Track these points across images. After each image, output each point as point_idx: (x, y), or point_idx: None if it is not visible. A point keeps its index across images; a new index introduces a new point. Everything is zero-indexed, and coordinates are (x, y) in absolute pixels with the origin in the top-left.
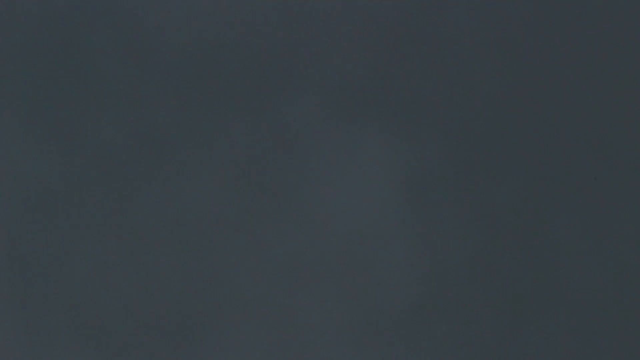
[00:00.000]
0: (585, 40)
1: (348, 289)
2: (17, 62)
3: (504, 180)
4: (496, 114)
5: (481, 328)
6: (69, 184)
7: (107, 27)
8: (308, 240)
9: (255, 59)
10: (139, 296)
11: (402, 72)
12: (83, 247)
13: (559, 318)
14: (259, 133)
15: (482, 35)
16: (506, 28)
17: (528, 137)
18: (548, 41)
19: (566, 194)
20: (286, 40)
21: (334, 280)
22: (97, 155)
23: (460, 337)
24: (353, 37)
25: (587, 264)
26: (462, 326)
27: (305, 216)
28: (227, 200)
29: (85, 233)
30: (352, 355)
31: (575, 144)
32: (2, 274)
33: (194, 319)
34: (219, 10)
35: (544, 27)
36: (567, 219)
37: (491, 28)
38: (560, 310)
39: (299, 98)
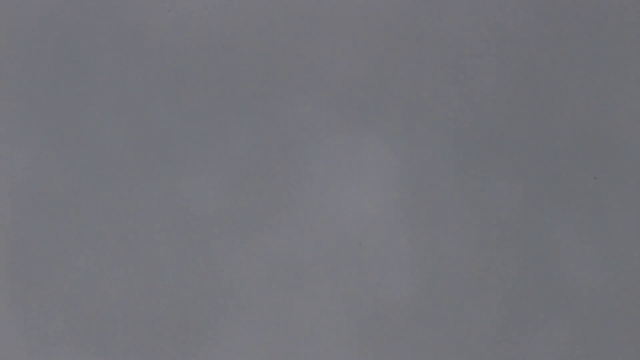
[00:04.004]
0: (585, 39)
1: (348, 289)
2: (17, 62)
3: (504, 180)
4: (496, 113)
5: (481, 328)
6: (69, 184)
7: (107, 27)
8: (308, 240)
9: (255, 59)
10: (139, 296)
11: (403, 73)
12: (83, 247)
13: (558, 318)
14: (259, 134)
15: (483, 35)
16: (506, 28)
17: (528, 137)
18: (548, 41)
19: (566, 194)
20: (287, 41)
21: (334, 281)
22: (97, 155)
23: (459, 337)
24: (353, 37)
25: (587, 264)
26: (462, 326)
27: (306, 216)
28: (227, 200)
29: (85, 233)
30: (352, 355)
31: (575, 144)
32: (2, 274)
33: (194, 319)
34: (220, 10)
35: (544, 27)
36: (567, 218)
37: (491, 28)
38: (560, 310)
39: (300, 99)
